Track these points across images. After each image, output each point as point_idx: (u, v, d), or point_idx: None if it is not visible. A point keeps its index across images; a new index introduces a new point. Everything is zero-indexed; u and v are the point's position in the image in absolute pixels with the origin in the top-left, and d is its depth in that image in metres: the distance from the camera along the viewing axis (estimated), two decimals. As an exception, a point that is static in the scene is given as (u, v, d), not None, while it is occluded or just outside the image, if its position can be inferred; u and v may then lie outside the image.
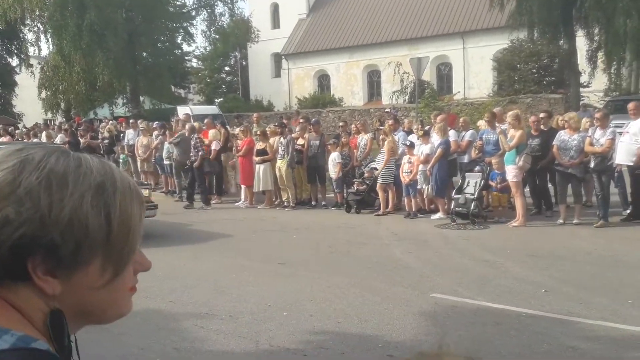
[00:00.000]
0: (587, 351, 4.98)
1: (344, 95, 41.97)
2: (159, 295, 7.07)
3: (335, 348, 5.28)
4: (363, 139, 13.46)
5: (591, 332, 5.37)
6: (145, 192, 10.02)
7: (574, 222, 10.22)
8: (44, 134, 20.44)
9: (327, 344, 5.43)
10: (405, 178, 11.74)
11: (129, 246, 0.88)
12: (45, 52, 30.90)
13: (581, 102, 24.49)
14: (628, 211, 10.35)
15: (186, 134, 14.49)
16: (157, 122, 17.59)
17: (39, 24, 28.15)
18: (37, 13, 26.76)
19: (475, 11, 37.83)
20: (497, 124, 11.73)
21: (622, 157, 10.04)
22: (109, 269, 0.87)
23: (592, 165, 10.16)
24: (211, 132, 15.24)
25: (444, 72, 41.36)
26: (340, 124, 15.36)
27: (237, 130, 15.87)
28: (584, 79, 27.69)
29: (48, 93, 30.80)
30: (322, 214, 13.08)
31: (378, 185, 12.31)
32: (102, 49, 25.37)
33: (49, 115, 31.62)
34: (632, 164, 9.89)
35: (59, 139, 19.93)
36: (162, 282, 7.69)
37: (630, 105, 10.42)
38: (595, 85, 28.27)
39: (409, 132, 13.31)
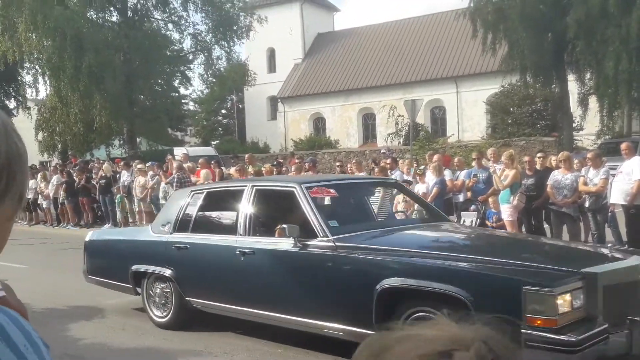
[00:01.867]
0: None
1: (340, 137, 42.30)
2: (153, 333, 6.99)
3: (332, 384, 5.21)
4: (359, 178, 13.52)
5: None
6: None
7: (570, 261, 10.21)
8: (39, 175, 20.45)
9: (323, 380, 5.37)
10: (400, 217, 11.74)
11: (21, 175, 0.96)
12: (42, 94, 31.13)
13: (574, 145, 24.77)
14: None
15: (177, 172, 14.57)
16: (151, 162, 17.63)
17: (37, 66, 28.45)
18: (36, 55, 27.07)
19: (468, 56, 38.48)
20: (492, 164, 11.86)
21: (616, 197, 10.10)
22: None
23: (587, 204, 10.21)
24: (202, 172, 15.25)
25: (438, 116, 41.83)
26: (337, 164, 15.44)
27: (232, 170, 15.91)
28: (577, 122, 28.03)
29: (45, 134, 30.91)
30: (317, 253, 13.02)
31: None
32: (100, 91, 25.55)
33: (45, 156, 31.69)
34: (626, 203, 9.95)
35: (55, 179, 19.93)
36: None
37: (623, 146, 10.55)
38: (587, 129, 28.61)
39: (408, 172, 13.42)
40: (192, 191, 7.58)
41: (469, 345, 0.69)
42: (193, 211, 7.09)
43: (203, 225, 7.09)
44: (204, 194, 7.27)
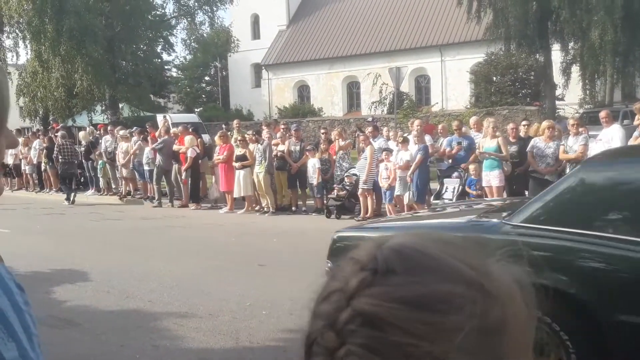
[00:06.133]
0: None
1: (324, 105, 42.16)
2: (138, 296, 7.05)
3: (314, 344, 5.32)
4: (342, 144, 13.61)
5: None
6: None
7: (549, 227, 10.38)
8: (21, 139, 20.26)
9: (306, 340, 5.47)
10: (383, 184, 11.85)
11: (3, 113, 0.94)
12: (23, 59, 30.68)
13: (556, 114, 24.96)
14: None
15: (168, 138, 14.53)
16: (135, 127, 17.51)
17: (17, 30, 27.95)
18: (16, 19, 26.57)
19: (453, 25, 38.32)
20: (475, 132, 11.97)
21: (596, 164, 10.24)
22: None
23: (567, 171, 10.33)
24: (187, 139, 15.16)
25: (422, 84, 41.76)
26: (322, 131, 15.39)
27: (215, 137, 15.85)
28: (560, 91, 28.16)
29: (26, 99, 30.50)
30: (302, 219, 13.11)
31: (360, 191, 12.39)
32: (81, 55, 25.23)
33: (27, 122, 31.32)
34: (605, 170, 10.09)
35: (36, 143, 19.80)
36: (141, 283, 7.67)
37: (602, 114, 10.67)
38: (570, 98, 28.78)
39: (388, 139, 13.48)
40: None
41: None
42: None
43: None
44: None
